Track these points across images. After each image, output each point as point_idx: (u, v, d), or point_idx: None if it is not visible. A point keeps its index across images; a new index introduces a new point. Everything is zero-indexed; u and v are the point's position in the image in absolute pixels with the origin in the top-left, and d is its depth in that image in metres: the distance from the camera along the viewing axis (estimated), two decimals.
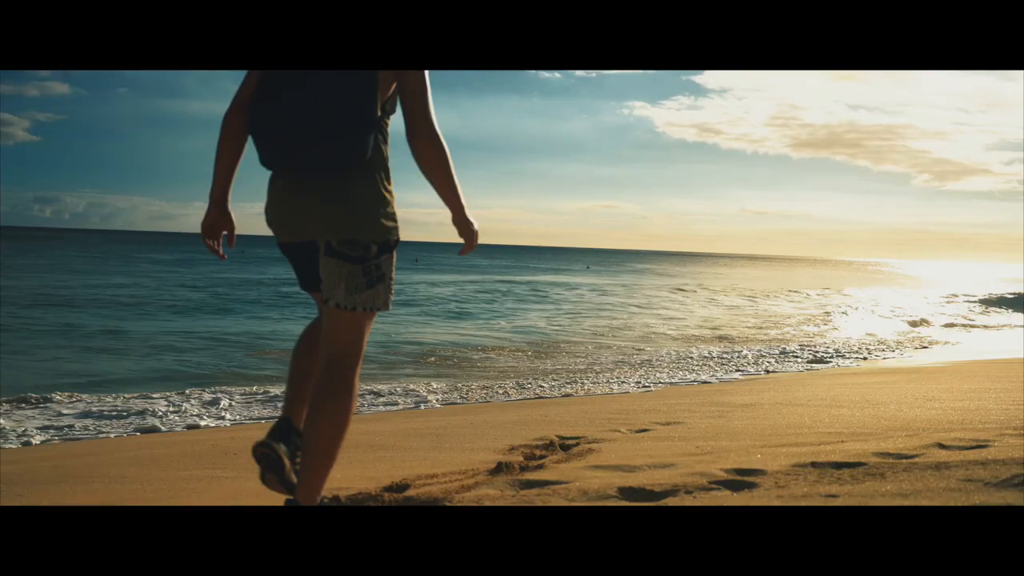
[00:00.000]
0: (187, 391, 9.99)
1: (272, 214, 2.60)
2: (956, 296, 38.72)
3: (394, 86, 2.55)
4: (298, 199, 2.48)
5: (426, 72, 2.55)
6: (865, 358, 14.33)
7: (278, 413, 5.82)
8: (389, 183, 2.55)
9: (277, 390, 10.02)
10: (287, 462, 2.60)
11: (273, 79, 2.45)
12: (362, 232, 2.46)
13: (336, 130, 2.35)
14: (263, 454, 2.60)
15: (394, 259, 2.57)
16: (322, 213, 2.44)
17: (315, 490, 2.53)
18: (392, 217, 2.52)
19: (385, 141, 2.57)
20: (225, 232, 2.66)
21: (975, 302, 34.82)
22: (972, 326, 23.15)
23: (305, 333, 2.81)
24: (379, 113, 2.49)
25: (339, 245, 2.45)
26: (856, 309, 29.68)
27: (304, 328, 2.85)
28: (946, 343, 17.39)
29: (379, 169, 2.52)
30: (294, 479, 2.58)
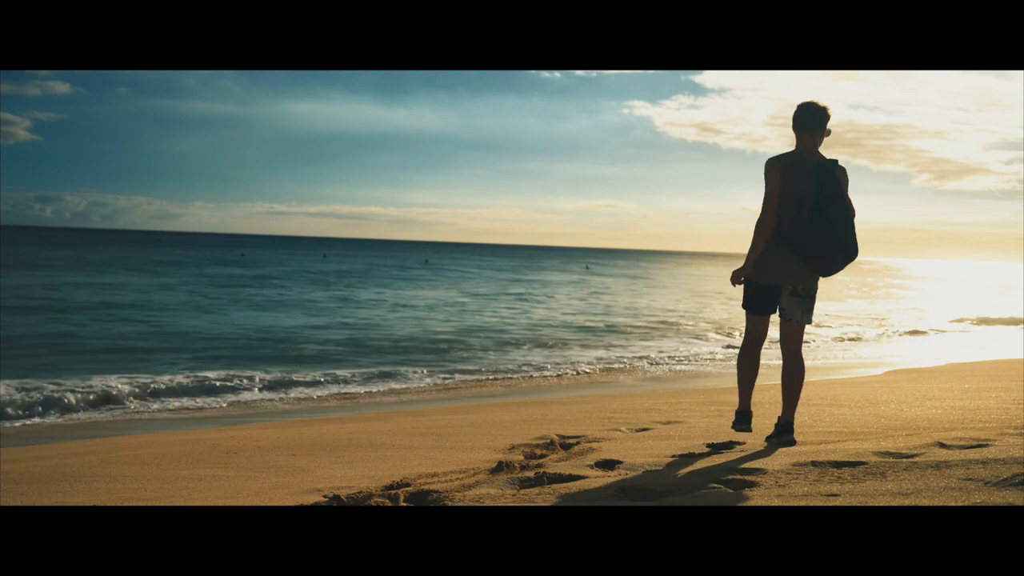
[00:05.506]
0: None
1: (772, 273, 4.38)
2: None
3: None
4: (792, 268, 4.32)
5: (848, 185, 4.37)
6: None
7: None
8: None
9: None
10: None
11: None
12: (810, 285, 4.43)
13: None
14: (742, 430, 4.54)
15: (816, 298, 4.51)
16: (798, 274, 4.36)
17: (794, 411, 4.48)
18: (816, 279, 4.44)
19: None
20: (742, 277, 4.51)
21: None
22: None
23: (745, 354, 4.55)
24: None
25: (800, 290, 4.38)
26: None
27: (740, 354, 4.59)
28: None
29: None
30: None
